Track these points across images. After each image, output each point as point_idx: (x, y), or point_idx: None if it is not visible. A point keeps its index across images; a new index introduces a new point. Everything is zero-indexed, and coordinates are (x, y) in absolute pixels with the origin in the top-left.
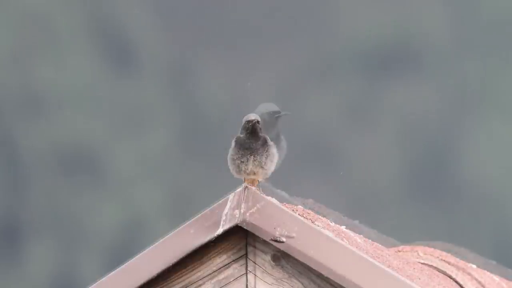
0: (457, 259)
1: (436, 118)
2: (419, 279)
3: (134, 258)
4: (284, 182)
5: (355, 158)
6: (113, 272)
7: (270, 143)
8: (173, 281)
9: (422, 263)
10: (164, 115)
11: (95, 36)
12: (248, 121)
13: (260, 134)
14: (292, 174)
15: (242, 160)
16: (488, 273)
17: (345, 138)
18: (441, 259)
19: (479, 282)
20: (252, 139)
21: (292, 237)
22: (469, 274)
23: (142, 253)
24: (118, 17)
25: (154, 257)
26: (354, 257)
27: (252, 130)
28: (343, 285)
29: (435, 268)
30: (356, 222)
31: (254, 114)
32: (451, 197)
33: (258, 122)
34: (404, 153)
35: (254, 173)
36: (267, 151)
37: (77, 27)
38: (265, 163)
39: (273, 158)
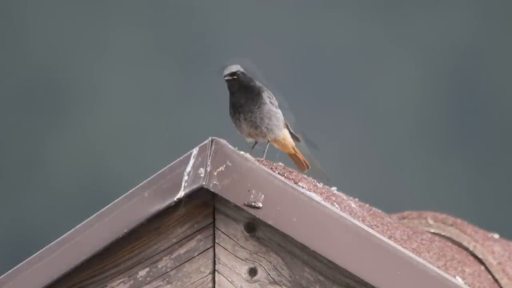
0: (476, 228)
1: (466, 46)
2: (428, 253)
3: (74, 229)
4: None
5: (371, 90)
6: (49, 245)
7: (265, 99)
8: (123, 256)
9: (432, 233)
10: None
11: None
12: (226, 80)
13: (249, 85)
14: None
15: (236, 121)
16: None
17: (359, 68)
18: (456, 228)
19: (502, 256)
20: (239, 95)
21: (271, 202)
22: (490, 245)
23: (84, 222)
24: None
25: (99, 228)
26: (346, 226)
27: (232, 90)
28: (333, 260)
29: (448, 238)
30: (334, 189)
31: (235, 65)
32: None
33: (237, 76)
34: (427, 84)
35: (257, 135)
36: (259, 107)
37: None
38: (261, 122)
39: (271, 114)
